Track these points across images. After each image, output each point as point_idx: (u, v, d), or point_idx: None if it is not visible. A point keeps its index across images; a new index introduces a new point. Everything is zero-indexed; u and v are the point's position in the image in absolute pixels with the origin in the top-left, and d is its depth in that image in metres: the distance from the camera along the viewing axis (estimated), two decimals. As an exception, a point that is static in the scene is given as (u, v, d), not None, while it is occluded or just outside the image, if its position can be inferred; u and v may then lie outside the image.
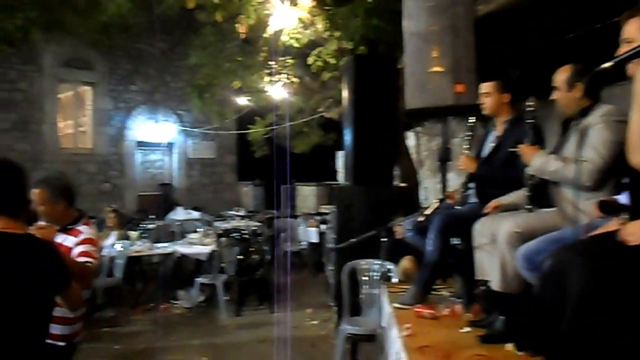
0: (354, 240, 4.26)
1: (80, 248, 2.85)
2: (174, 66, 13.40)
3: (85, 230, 2.95)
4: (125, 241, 7.13)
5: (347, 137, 5.65)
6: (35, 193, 2.83)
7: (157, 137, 13.41)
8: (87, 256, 2.81)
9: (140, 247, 7.31)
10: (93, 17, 7.40)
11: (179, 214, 10.98)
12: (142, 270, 8.03)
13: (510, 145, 3.04)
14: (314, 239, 9.64)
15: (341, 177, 12.25)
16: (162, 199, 12.69)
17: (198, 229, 8.81)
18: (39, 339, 2.03)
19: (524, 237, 2.49)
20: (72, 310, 2.43)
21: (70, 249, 2.87)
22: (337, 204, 5.70)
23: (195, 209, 11.83)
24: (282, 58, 7.73)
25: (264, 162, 10.24)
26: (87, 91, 12.83)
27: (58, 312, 2.49)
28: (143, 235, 7.92)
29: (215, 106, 9.55)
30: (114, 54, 12.50)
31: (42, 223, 2.80)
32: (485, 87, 3.35)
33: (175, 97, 13.74)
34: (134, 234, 7.60)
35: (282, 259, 8.66)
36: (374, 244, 3.99)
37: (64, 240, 2.93)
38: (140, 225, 8.82)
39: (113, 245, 6.93)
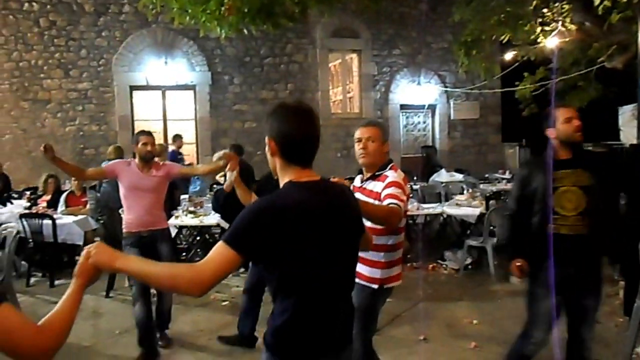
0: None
1: (387, 191, 2.89)
2: (435, 26, 13.28)
3: (391, 175, 3.02)
4: (395, 201, 7.32)
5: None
6: (369, 130, 3.11)
7: (419, 99, 13.50)
8: (393, 198, 2.84)
9: (410, 206, 7.42)
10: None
11: (442, 176, 10.93)
12: (407, 230, 8.20)
13: None
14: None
15: (625, 136, 10.85)
16: (424, 161, 12.79)
17: (464, 191, 8.65)
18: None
19: None
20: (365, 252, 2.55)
21: (378, 194, 2.95)
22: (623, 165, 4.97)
23: (458, 171, 11.65)
24: (558, 3, 7.01)
25: (532, 121, 9.56)
26: (353, 59, 13.49)
27: (371, 255, 2.92)
28: (410, 196, 8.05)
29: (482, 63, 9.16)
30: (377, 21, 12.87)
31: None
32: None
33: (437, 58, 13.64)
34: (402, 194, 7.75)
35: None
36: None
37: (374, 187, 3.03)
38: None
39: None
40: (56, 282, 6.61)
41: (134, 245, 4.41)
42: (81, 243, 7.00)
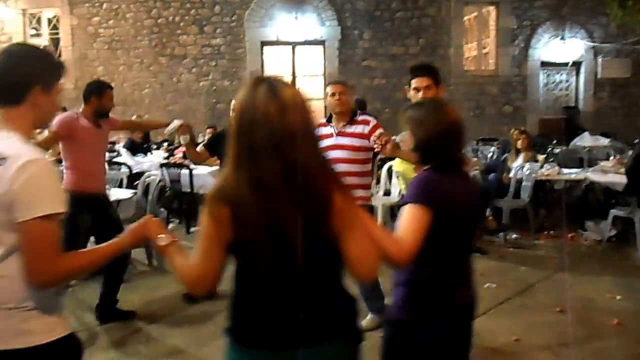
0: None
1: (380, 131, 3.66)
2: (586, -26, 12.04)
3: (371, 119, 3.88)
4: (534, 163, 6.85)
5: None
6: (340, 86, 3.95)
7: (563, 56, 12.40)
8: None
9: (549, 171, 6.91)
10: None
11: (586, 140, 10.04)
12: (546, 196, 7.67)
13: None
14: None
15: None
16: (566, 123, 11.81)
17: (610, 157, 7.89)
18: None
19: None
20: None
21: (367, 134, 3.85)
22: None
23: (604, 134, 10.63)
24: None
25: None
26: (490, 11, 12.65)
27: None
28: (549, 159, 7.48)
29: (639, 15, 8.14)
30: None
31: None
32: None
33: (585, 10, 12.36)
34: (541, 157, 7.24)
35: None
36: None
37: (355, 129, 3.91)
38: (546, 150, 8.36)
39: (521, 167, 6.74)
40: (191, 229, 6.89)
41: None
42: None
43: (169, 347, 3.90)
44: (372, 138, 3.63)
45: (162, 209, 7.33)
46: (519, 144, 7.24)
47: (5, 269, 1.56)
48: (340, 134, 3.92)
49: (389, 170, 6.81)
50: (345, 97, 3.94)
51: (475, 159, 6.73)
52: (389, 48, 12.12)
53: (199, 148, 4.69)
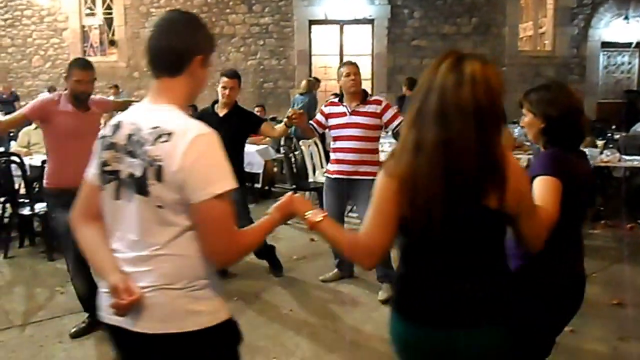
0: None
1: (391, 111, 4.24)
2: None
3: (383, 99, 4.01)
4: (593, 149, 6.53)
5: None
6: (355, 67, 4.21)
7: (625, 36, 11.83)
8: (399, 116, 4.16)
9: (609, 157, 6.56)
10: None
11: (648, 125, 9.55)
12: (603, 183, 7.33)
13: None
14: None
15: None
16: (626, 108, 11.29)
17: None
18: None
19: None
20: None
21: (379, 114, 4.22)
22: None
23: (668, 120, 10.10)
24: None
25: None
26: (549, -11, 12.15)
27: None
28: (608, 145, 7.12)
29: None
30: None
31: None
32: None
33: (651, -13, 11.73)
34: (600, 142, 6.89)
35: None
36: None
37: (369, 109, 4.22)
38: (605, 135, 7.97)
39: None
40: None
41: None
42: (260, 171, 7.36)
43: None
44: None
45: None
46: (576, 127, 6.92)
47: (175, 249, 1.51)
48: (354, 113, 4.19)
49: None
50: (359, 77, 4.23)
51: (528, 143, 6.44)
52: (440, 27, 11.79)
53: None
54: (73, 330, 3.68)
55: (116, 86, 11.90)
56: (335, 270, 4.67)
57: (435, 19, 11.78)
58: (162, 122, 1.49)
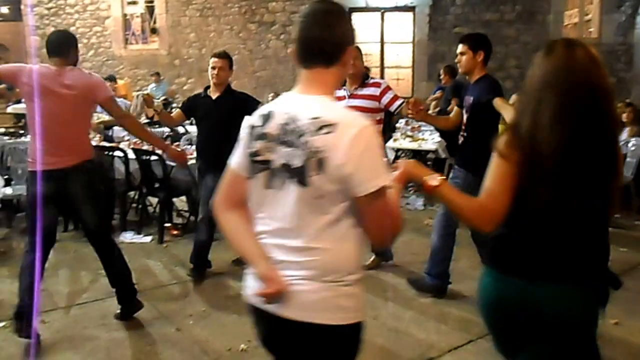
0: None
1: (391, 94, 4.35)
2: None
3: (382, 81, 4.18)
4: (639, 138, 6.39)
5: None
6: (356, 50, 4.06)
7: (676, 23, 11.41)
8: (398, 98, 4.33)
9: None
10: None
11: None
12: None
13: None
14: None
15: None
16: (675, 97, 10.93)
17: None
18: None
19: None
20: None
21: (378, 96, 4.32)
22: None
23: None
24: None
25: None
26: (596, -25, 11.81)
27: None
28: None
29: None
30: None
31: None
32: None
33: None
34: (646, 132, 6.75)
35: None
36: None
37: (367, 91, 4.30)
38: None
39: (626, 142, 6.32)
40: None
41: None
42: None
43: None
44: (408, 106, 4.03)
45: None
46: (624, 117, 6.81)
47: (328, 240, 1.53)
48: (353, 96, 4.23)
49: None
50: (358, 61, 4.23)
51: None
52: (483, 14, 11.57)
53: (175, 112, 4.77)
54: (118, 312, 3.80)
55: (157, 74, 12.09)
56: (373, 256, 4.67)
57: (477, 6, 11.57)
58: (322, 113, 1.50)
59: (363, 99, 4.20)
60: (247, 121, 1.66)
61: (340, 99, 4.18)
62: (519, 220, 1.75)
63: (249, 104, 4.31)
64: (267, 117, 1.60)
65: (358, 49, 4.31)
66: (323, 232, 1.52)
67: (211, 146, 4.29)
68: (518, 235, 1.77)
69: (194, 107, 4.52)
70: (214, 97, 4.39)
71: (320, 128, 1.47)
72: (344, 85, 4.29)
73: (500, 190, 1.69)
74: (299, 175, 1.50)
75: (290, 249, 1.55)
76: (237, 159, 1.69)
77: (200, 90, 4.62)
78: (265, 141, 1.57)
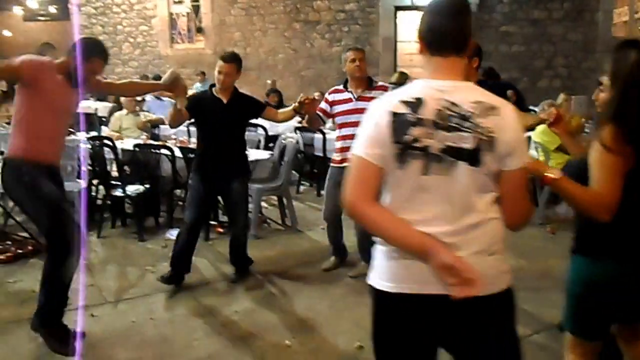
0: None
1: None
2: None
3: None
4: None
5: None
6: (360, 53, 4.12)
7: None
8: None
9: None
10: None
11: None
12: None
13: None
14: None
15: None
16: None
17: None
18: None
19: None
20: None
21: None
22: None
23: None
24: None
25: None
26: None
27: None
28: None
29: None
30: None
31: None
32: None
33: None
34: None
35: None
36: None
37: (375, 94, 3.94)
38: None
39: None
40: (322, 192, 6.97)
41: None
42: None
43: (300, 302, 3.99)
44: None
45: (293, 172, 7.52)
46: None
47: (492, 214, 1.65)
48: (361, 98, 4.07)
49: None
50: (364, 63, 4.15)
51: None
52: (530, 12, 11.37)
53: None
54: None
55: (203, 73, 12.26)
56: (332, 257, 4.60)
57: (525, 4, 11.37)
58: (481, 97, 1.61)
59: (371, 101, 4.01)
60: (380, 109, 1.65)
61: (346, 101, 4.13)
62: (623, 209, 1.88)
63: (258, 107, 4.31)
64: (416, 104, 1.60)
65: (362, 51, 4.24)
66: (488, 207, 1.64)
67: (229, 152, 4.18)
68: (624, 223, 1.93)
69: (201, 108, 4.20)
70: (225, 100, 4.14)
71: (487, 110, 1.59)
72: (347, 87, 4.18)
73: (613, 182, 1.86)
74: (470, 156, 1.58)
75: (457, 230, 1.60)
76: (369, 150, 1.61)
77: (244, 90, 4.47)
78: (423, 127, 1.58)
